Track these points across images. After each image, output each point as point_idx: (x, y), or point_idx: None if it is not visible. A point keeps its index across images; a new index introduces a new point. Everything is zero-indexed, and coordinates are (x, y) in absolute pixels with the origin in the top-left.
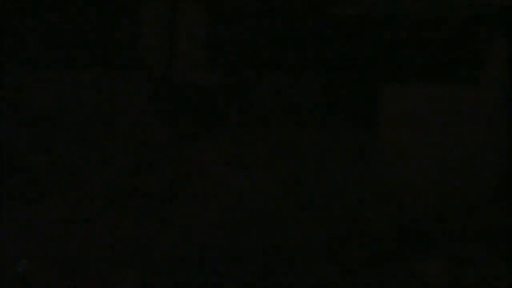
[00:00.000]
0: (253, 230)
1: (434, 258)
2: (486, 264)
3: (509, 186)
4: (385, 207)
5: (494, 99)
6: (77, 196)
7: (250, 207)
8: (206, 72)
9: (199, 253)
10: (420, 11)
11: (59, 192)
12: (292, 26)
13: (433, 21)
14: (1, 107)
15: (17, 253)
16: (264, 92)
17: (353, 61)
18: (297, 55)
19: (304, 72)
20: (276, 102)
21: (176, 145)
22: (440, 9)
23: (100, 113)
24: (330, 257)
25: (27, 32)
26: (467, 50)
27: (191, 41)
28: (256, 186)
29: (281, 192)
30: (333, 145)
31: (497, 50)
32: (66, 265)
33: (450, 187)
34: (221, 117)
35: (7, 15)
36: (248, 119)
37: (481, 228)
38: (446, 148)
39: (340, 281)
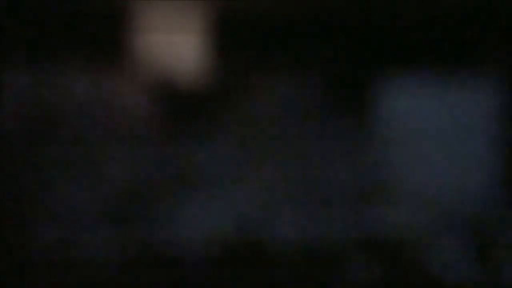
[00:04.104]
0: (251, 228)
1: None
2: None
3: (510, 183)
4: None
5: (495, 95)
6: (75, 196)
7: (249, 205)
8: (206, 73)
9: (192, 252)
10: (418, 7)
11: (57, 192)
12: (289, 23)
13: (432, 18)
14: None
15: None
16: (263, 90)
17: (350, 56)
18: (296, 52)
19: (303, 69)
20: (275, 100)
21: (175, 146)
22: (439, 6)
23: (100, 114)
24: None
25: (25, 31)
26: (467, 46)
27: (191, 41)
28: (256, 185)
29: (280, 189)
30: (332, 141)
31: (498, 45)
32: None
33: (449, 185)
34: (221, 118)
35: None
36: (247, 118)
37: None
38: (444, 147)
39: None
